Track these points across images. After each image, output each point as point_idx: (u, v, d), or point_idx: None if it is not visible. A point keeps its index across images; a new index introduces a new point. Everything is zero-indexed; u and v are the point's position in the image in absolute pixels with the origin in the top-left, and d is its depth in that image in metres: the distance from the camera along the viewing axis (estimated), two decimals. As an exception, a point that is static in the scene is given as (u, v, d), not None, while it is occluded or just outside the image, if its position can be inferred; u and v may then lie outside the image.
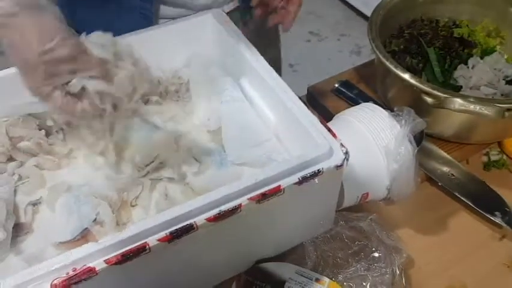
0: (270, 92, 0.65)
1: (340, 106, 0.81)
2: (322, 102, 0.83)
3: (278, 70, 1.10)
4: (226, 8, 0.81)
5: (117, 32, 0.53)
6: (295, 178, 0.52)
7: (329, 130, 0.58)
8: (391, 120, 0.62)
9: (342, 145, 0.56)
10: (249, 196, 0.50)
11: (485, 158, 0.76)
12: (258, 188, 0.50)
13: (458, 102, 0.62)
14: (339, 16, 2.38)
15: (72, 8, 0.72)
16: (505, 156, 0.76)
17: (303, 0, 0.77)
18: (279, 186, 0.51)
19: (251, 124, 0.68)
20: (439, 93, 0.65)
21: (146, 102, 0.71)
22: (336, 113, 0.79)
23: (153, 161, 0.61)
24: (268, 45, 0.98)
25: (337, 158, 0.55)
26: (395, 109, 0.64)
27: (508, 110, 0.64)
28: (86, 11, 0.76)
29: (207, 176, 0.62)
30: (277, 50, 1.03)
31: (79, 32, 0.48)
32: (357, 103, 0.80)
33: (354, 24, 2.33)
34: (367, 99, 0.81)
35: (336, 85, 0.84)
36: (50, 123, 0.64)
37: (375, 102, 0.79)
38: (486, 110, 0.61)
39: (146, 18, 0.76)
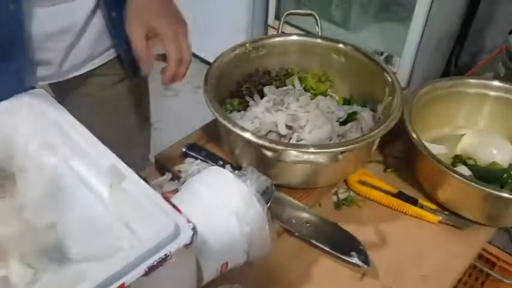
0: (105, 172, 0.60)
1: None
2: (172, 169, 0.79)
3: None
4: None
5: None
6: (140, 270, 0.47)
7: (173, 206, 0.55)
8: (237, 181, 0.61)
9: (188, 220, 0.53)
10: (86, 306, 0.44)
11: (335, 198, 0.79)
12: (97, 294, 0.44)
13: (293, 154, 0.64)
14: (192, 69, 2.40)
15: None
16: (352, 193, 0.79)
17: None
18: (123, 284, 0.46)
19: (91, 211, 0.61)
20: (276, 146, 0.66)
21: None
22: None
23: (-28, 282, 0.51)
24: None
25: (185, 236, 0.52)
26: (242, 169, 0.63)
27: (342, 152, 0.67)
28: None
29: (45, 284, 0.54)
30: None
31: None
32: (207, 165, 0.79)
33: (208, 75, 2.38)
34: (216, 159, 0.79)
35: (184, 149, 0.82)
36: None
37: (224, 162, 0.79)
38: (320, 158, 0.64)
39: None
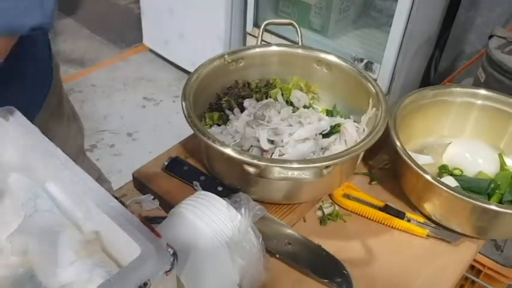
0: (81, 195, 0.57)
1: (172, 187, 0.76)
2: (151, 187, 0.76)
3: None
4: None
5: None
6: (116, 304, 0.44)
7: (152, 230, 0.52)
8: (231, 210, 0.58)
9: (168, 245, 0.50)
10: None
11: (319, 213, 0.76)
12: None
13: (276, 170, 0.61)
14: (171, 78, 2.38)
15: None
16: (337, 207, 0.77)
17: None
18: (97, 322, 0.43)
19: (65, 235, 0.58)
20: (259, 162, 0.63)
21: None
22: (168, 197, 0.74)
23: None
24: None
25: (165, 262, 0.49)
26: (232, 196, 0.60)
27: (327, 167, 0.65)
28: None
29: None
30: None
31: None
32: (189, 180, 0.76)
33: (187, 83, 2.36)
34: (198, 174, 0.76)
35: (166, 163, 0.79)
36: None
37: (206, 177, 0.76)
38: (304, 174, 0.61)
39: None
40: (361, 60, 1.80)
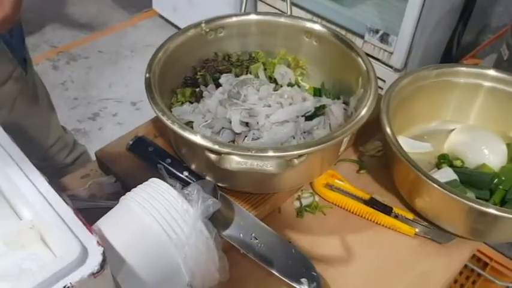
0: (18, 182, 0.51)
1: (135, 169, 0.69)
2: (113, 168, 0.70)
3: None
4: None
5: None
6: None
7: (84, 224, 0.46)
8: (183, 203, 0.51)
9: (98, 243, 0.44)
10: None
11: (297, 203, 0.69)
12: None
13: (234, 160, 0.53)
14: (180, 45, 2.30)
15: None
16: (317, 198, 0.69)
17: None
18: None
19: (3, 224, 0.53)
20: (220, 148, 0.55)
21: None
22: (130, 180, 0.68)
23: None
24: None
25: (93, 263, 0.43)
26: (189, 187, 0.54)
27: (299, 156, 0.57)
28: None
29: None
30: None
31: None
32: (154, 162, 0.69)
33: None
34: (164, 157, 0.69)
35: (130, 142, 0.72)
36: None
37: (173, 160, 0.69)
38: (266, 166, 0.53)
39: None
40: (377, 31, 1.68)
